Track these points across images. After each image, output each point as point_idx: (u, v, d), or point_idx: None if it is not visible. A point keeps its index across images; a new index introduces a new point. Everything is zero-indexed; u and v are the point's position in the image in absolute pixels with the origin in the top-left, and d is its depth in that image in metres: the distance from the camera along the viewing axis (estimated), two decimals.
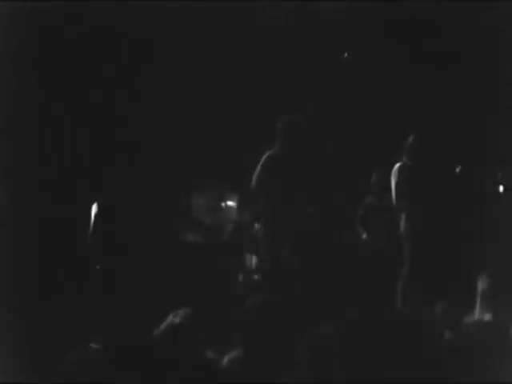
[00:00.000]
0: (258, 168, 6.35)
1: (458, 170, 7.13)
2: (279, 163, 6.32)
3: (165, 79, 8.20)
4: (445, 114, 8.24)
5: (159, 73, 8.19)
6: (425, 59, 8.32)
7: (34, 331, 3.40)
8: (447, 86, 8.30)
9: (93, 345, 3.45)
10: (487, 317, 4.37)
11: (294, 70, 8.44)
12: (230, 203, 7.45)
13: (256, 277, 7.39)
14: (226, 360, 3.64)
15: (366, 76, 8.33)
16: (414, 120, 7.69)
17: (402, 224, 6.87)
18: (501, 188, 7.47)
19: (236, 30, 8.36)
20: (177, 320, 3.42)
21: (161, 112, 8.25)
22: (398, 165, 6.86)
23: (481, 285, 4.68)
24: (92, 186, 7.29)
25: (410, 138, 6.83)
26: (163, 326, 3.41)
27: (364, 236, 7.81)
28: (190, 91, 8.19)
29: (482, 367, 3.28)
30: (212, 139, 8.09)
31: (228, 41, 8.31)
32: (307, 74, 8.44)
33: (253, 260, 7.53)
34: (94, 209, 6.72)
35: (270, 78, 8.35)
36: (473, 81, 8.20)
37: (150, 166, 8.11)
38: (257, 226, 7.34)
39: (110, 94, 8.08)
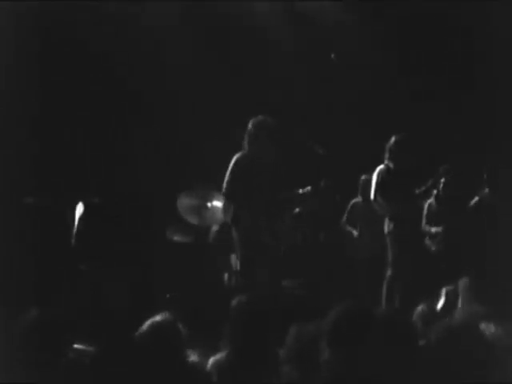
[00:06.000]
0: (228, 174, 6.23)
1: None
2: (248, 165, 6.23)
3: (155, 81, 8.22)
4: (430, 114, 8.27)
5: (149, 75, 8.20)
6: (411, 61, 8.36)
7: (17, 332, 3.37)
8: (433, 87, 8.34)
9: (77, 346, 3.44)
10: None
11: (285, 70, 8.46)
12: (215, 203, 7.40)
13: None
14: (210, 362, 3.65)
15: (353, 77, 8.35)
16: (402, 121, 7.73)
17: (386, 226, 6.89)
18: (486, 190, 7.51)
19: (223, 30, 8.40)
20: (158, 322, 3.41)
21: (150, 112, 8.25)
22: (380, 166, 6.90)
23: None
24: (77, 186, 7.27)
25: (392, 139, 6.86)
26: (145, 327, 3.39)
27: (355, 234, 7.85)
28: (178, 91, 8.20)
29: (463, 368, 3.30)
30: (199, 139, 8.09)
31: (214, 41, 8.33)
32: (298, 74, 8.47)
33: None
34: (79, 209, 6.68)
35: (259, 78, 8.37)
36: (458, 82, 8.24)
37: (137, 166, 8.11)
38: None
39: (101, 94, 8.08)
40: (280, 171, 6.34)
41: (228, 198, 6.29)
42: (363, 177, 7.81)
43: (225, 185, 6.22)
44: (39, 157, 7.41)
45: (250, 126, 6.25)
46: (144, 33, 8.22)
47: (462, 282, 4.78)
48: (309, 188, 6.35)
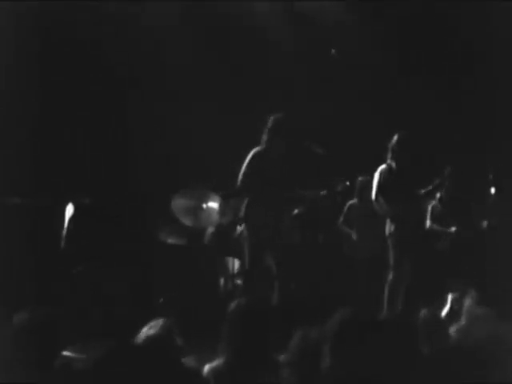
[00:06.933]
0: (244, 166, 6.26)
1: None
2: (266, 161, 6.24)
3: (153, 81, 8.18)
4: (434, 114, 8.22)
5: (149, 75, 8.17)
6: (415, 59, 8.31)
7: (7, 334, 3.32)
8: (438, 86, 8.29)
9: (67, 353, 3.36)
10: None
11: (282, 70, 8.42)
12: (211, 204, 7.33)
13: (238, 281, 7.25)
14: (206, 368, 3.58)
15: (355, 74, 8.32)
16: (403, 121, 7.66)
17: (387, 228, 6.80)
18: (492, 190, 7.43)
19: (223, 30, 8.36)
20: (153, 331, 3.34)
21: (144, 113, 8.20)
22: (382, 166, 6.80)
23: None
24: (68, 186, 7.20)
25: (395, 138, 6.77)
26: (141, 335, 3.33)
27: (354, 236, 7.77)
28: (177, 91, 8.16)
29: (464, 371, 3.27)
30: (195, 139, 8.04)
31: (214, 41, 8.30)
32: (298, 74, 8.42)
33: (235, 263, 7.42)
34: (69, 210, 6.58)
35: (259, 78, 8.33)
36: (463, 81, 8.19)
37: (130, 166, 8.05)
38: (239, 228, 7.25)
39: (98, 94, 8.03)
40: (293, 169, 6.36)
41: (242, 192, 6.31)
42: (360, 178, 7.74)
43: (240, 177, 6.24)
44: (29, 156, 7.34)
45: (269, 122, 6.31)
46: (144, 33, 8.19)
47: (469, 296, 4.72)
48: (325, 192, 6.45)
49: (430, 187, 6.91)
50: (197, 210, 7.28)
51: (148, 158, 8.11)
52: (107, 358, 3.21)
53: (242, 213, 6.41)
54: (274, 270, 6.28)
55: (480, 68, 7.98)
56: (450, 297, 4.96)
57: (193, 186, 7.41)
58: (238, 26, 8.30)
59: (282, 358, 3.71)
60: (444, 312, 4.80)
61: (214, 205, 7.27)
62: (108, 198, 7.36)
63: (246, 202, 6.33)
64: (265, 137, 6.31)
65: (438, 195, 7.46)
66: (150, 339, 3.31)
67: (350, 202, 7.91)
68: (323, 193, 6.45)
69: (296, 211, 7.37)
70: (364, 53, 8.25)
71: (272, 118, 6.31)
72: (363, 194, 7.52)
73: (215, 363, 3.58)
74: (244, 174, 6.23)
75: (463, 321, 4.45)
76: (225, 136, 7.92)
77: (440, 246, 7.44)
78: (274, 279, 6.27)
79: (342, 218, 7.94)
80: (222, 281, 7.38)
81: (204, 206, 7.31)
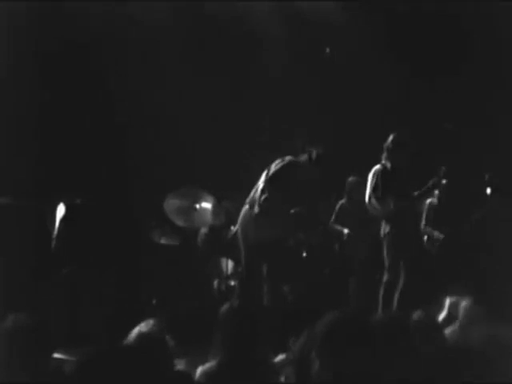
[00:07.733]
0: (276, 169, 6.43)
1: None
2: (296, 171, 6.45)
3: (148, 80, 8.17)
4: (430, 114, 8.21)
5: (141, 74, 8.15)
6: (412, 60, 8.31)
7: None
8: (435, 86, 8.29)
9: (57, 355, 3.34)
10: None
11: (280, 70, 8.42)
12: (204, 205, 7.30)
13: (232, 283, 7.22)
14: (198, 371, 3.57)
15: (350, 75, 8.32)
16: (397, 121, 7.65)
17: (382, 229, 6.76)
18: (488, 190, 7.40)
19: (223, 30, 8.36)
20: (145, 332, 3.32)
21: (137, 111, 8.18)
22: (376, 166, 6.76)
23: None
24: (59, 186, 7.17)
25: (390, 138, 6.74)
26: (131, 338, 3.31)
27: (346, 232, 7.70)
28: (170, 91, 8.14)
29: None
30: (189, 139, 8.01)
31: (212, 41, 8.29)
32: (297, 74, 8.42)
33: (229, 265, 7.37)
34: (60, 210, 6.56)
35: (255, 78, 8.33)
36: (460, 81, 8.18)
37: (123, 166, 8.03)
38: (233, 228, 7.23)
39: (91, 94, 8.02)
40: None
41: (265, 192, 6.42)
42: (349, 179, 7.72)
43: (269, 178, 6.39)
44: (21, 156, 7.30)
45: (319, 150, 6.57)
46: (143, 33, 8.18)
47: (465, 303, 4.69)
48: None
49: (425, 188, 6.86)
50: (189, 211, 7.25)
51: (141, 158, 8.08)
52: (98, 360, 3.19)
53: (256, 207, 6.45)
54: (265, 272, 6.31)
55: (477, 68, 7.98)
56: (447, 302, 4.91)
57: (188, 187, 7.38)
58: (238, 26, 8.29)
59: (282, 357, 3.71)
60: (441, 317, 4.76)
61: (207, 205, 7.24)
62: (100, 198, 7.32)
63: (263, 197, 6.38)
64: (305, 156, 6.53)
65: (437, 193, 7.40)
66: (142, 337, 3.29)
67: (341, 201, 7.85)
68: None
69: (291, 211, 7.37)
70: (363, 53, 8.24)
71: (320, 150, 6.55)
72: (353, 194, 7.49)
73: (208, 366, 3.57)
74: (273, 176, 6.38)
75: (458, 323, 4.45)
76: (221, 136, 7.91)
77: (431, 247, 7.42)
78: (264, 280, 6.29)
79: (333, 218, 7.86)
80: (215, 282, 7.37)
81: (197, 206, 7.28)
